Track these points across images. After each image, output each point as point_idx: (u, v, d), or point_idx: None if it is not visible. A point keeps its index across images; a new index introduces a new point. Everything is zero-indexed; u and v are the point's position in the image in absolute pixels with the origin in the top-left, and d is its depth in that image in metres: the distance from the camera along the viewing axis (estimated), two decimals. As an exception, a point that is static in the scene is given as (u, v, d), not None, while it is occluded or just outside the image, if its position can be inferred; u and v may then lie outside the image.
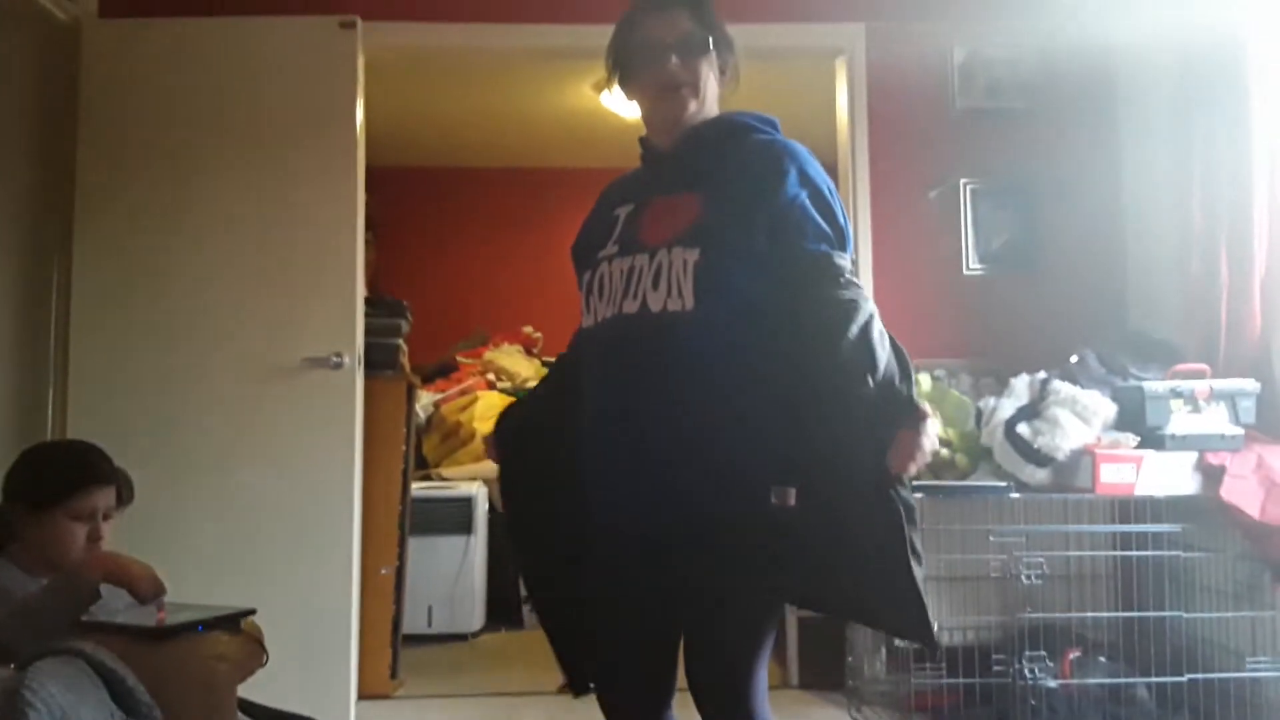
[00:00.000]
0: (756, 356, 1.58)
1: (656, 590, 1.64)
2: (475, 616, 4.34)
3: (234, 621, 1.84)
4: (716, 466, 1.57)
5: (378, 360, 3.45)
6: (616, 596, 1.69)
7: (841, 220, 1.63)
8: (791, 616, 3.58)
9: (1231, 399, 2.78)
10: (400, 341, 3.66)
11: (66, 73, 3.24)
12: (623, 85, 1.78)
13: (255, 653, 1.83)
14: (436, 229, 6.30)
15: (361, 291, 3.28)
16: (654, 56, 1.68)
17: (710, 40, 1.70)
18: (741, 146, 1.68)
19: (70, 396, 3.15)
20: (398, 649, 3.55)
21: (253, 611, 1.92)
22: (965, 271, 3.57)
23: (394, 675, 3.51)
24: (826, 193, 1.62)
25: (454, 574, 4.29)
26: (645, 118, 1.78)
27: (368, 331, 3.33)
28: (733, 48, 1.76)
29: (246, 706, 2.12)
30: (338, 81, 3.25)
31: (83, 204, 3.21)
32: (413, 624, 4.00)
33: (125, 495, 2.03)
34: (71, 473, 1.93)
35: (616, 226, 1.72)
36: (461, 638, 4.28)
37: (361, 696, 3.22)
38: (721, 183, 1.64)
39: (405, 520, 3.60)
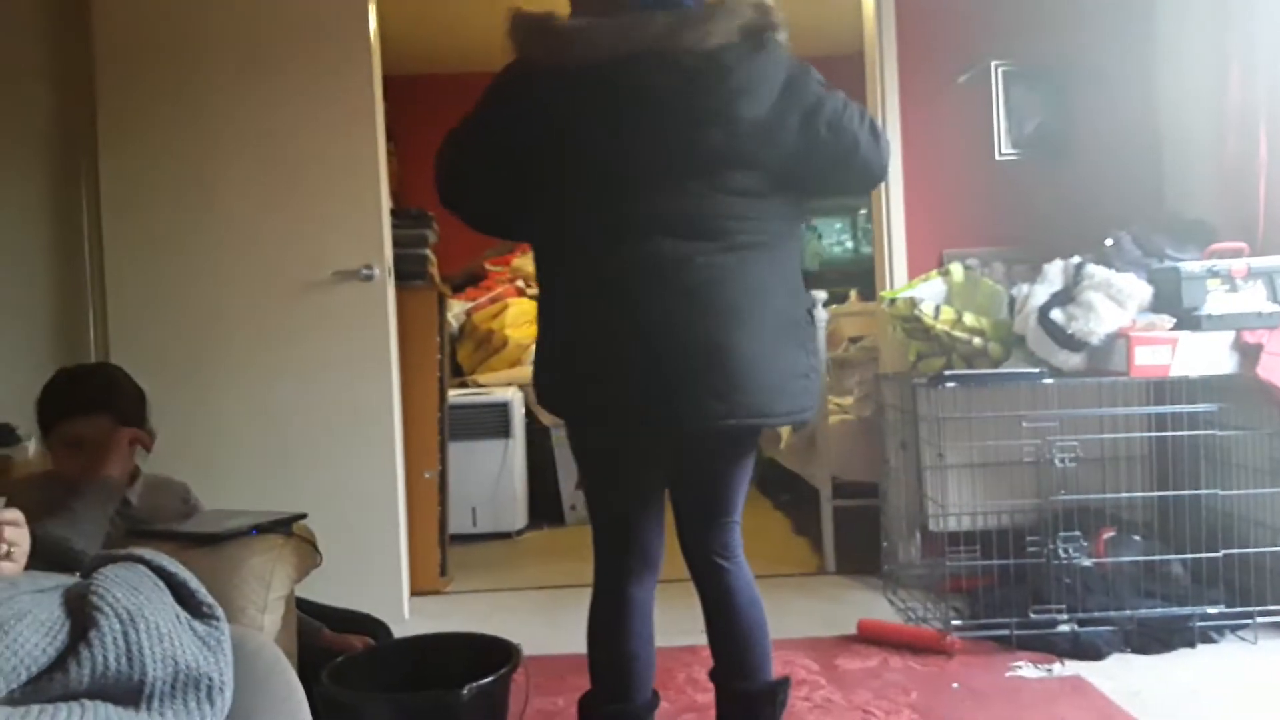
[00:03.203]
0: None
1: None
2: (518, 516, 4.45)
3: (286, 525, 1.91)
4: None
5: (407, 271, 3.47)
6: None
7: None
8: (827, 506, 3.63)
9: (1270, 277, 2.74)
10: (428, 251, 3.67)
11: (79, -6, 3.21)
12: None
13: (309, 554, 1.90)
14: (459, 136, 6.22)
15: (387, 202, 3.28)
16: None
17: None
18: None
19: (110, 315, 3.21)
20: (445, 548, 3.66)
21: (303, 516, 1.98)
22: (997, 157, 3.50)
23: (443, 572, 3.63)
24: None
25: (495, 476, 4.39)
26: None
27: (395, 243, 3.34)
28: None
29: (305, 605, 2.21)
30: (350, -13, 3.20)
31: (105, 126, 3.20)
32: (458, 524, 4.12)
33: (132, 418, 2.03)
34: (52, 403, 2.00)
35: None
36: (506, 536, 4.41)
37: (414, 593, 3.33)
38: None
39: (444, 426, 3.67)
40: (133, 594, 1.41)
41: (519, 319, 4.99)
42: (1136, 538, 2.92)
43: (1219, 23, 3.03)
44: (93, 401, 1.99)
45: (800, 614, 3.12)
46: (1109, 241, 3.05)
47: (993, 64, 3.47)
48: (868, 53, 3.57)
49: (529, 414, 4.61)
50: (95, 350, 3.23)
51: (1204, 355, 2.72)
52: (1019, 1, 3.48)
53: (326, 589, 2.28)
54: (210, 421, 3.16)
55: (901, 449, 3.24)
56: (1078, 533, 2.80)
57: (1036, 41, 3.48)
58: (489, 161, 1.76)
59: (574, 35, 1.69)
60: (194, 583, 1.49)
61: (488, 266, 5.54)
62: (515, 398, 4.50)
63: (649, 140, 1.66)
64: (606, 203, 1.68)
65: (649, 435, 1.74)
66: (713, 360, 1.62)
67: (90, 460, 1.93)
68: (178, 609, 1.46)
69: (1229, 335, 2.72)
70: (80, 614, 1.41)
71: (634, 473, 1.82)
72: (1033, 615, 2.74)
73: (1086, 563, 2.81)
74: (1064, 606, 2.74)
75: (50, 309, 3.24)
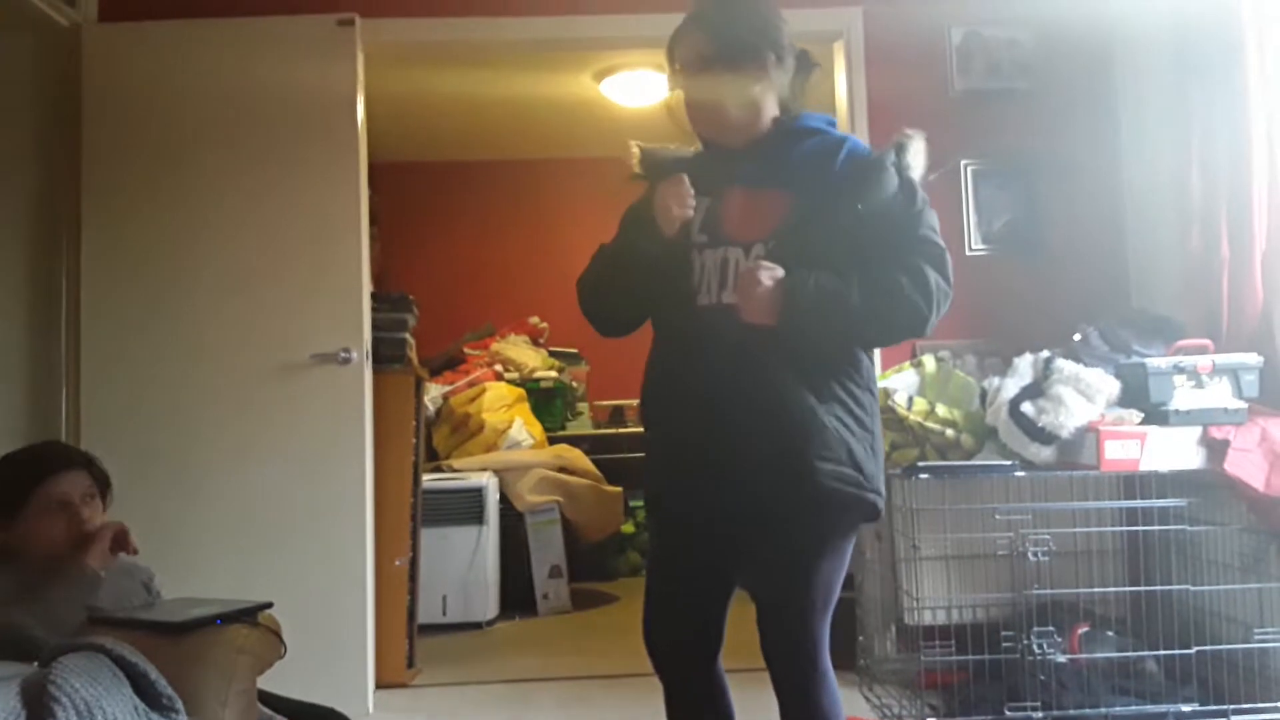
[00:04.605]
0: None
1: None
2: (489, 605, 4.38)
3: (251, 615, 1.88)
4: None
5: (385, 354, 3.48)
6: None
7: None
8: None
9: (1234, 373, 2.79)
10: (407, 335, 3.68)
11: (68, 78, 3.27)
12: None
13: (273, 645, 1.87)
14: (440, 222, 6.32)
15: (368, 287, 3.31)
16: (678, 82, 1.81)
17: (728, 56, 1.81)
18: (819, 150, 1.83)
19: (83, 399, 3.19)
20: (413, 638, 3.59)
21: (270, 605, 1.95)
22: (968, 252, 3.58)
23: (410, 664, 3.55)
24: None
25: (467, 563, 4.33)
26: None
27: (375, 326, 3.36)
28: (765, 48, 1.88)
29: (266, 698, 2.16)
30: (338, 79, 3.27)
31: (89, 208, 3.24)
32: (428, 613, 4.04)
33: (100, 480, 2.02)
34: (28, 468, 1.96)
35: (699, 216, 1.80)
36: (476, 626, 4.33)
37: (379, 685, 3.26)
38: (807, 183, 1.76)
39: (417, 512, 3.64)
40: (91, 684, 1.39)
41: (496, 403, 5.00)
42: (1110, 633, 2.91)
43: (1180, 122, 3.14)
44: (67, 459, 1.98)
45: (774, 711, 3.06)
46: (1077, 336, 3.10)
47: (962, 163, 3.57)
48: (841, 150, 3.67)
49: (503, 499, 4.58)
50: (67, 431, 3.20)
51: (1172, 450, 2.76)
52: (987, 101, 3.60)
53: (288, 679, 2.23)
54: (180, 503, 3.12)
55: (876, 540, 3.23)
56: (1051, 628, 2.79)
57: (1004, 140, 3.59)
58: None
59: None
60: (154, 674, 1.47)
61: (466, 350, 5.56)
62: (490, 482, 4.47)
63: None
64: None
65: None
66: None
67: (75, 522, 1.90)
68: (136, 700, 1.43)
69: (1196, 431, 2.76)
70: (37, 705, 1.38)
71: None
72: (1008, 713, 2.71)
73: (1061, 659, 2.79)
74: (1039, 703, 2.72)
75: (23, 390, 3.21)
